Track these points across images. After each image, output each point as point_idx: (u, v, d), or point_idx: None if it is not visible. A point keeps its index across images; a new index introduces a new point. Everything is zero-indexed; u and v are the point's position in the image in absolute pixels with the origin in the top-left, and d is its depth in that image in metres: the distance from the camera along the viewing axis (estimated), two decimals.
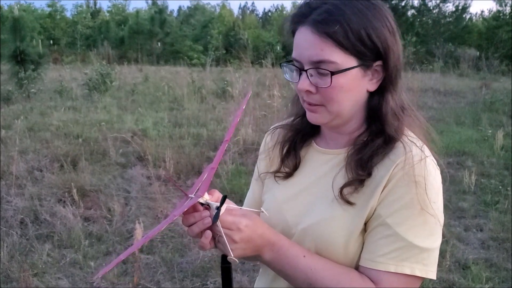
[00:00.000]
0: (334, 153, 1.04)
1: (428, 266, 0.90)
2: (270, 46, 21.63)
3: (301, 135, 1.10)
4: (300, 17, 0.95)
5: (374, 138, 0.97)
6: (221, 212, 0.87)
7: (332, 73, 0.90)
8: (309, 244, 0.98)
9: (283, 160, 1.11)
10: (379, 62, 0.94)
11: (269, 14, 47.05)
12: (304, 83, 0.94)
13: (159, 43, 25.51)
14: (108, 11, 37.62)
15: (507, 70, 17.31)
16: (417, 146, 0.94)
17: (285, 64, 1.01)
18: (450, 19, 28.11)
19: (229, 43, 22.88)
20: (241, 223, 0.89)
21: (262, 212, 0.94)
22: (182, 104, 9.65)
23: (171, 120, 8.04)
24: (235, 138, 5.81)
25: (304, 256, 0.94)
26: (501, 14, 27.11)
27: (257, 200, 1.18)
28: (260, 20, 45.52)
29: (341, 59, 0.91)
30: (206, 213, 0.89)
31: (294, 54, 0.96)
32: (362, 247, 0.95)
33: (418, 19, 27.65)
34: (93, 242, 3.68)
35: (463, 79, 16.24)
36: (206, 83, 11.52)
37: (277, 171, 1.11)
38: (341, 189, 0.96)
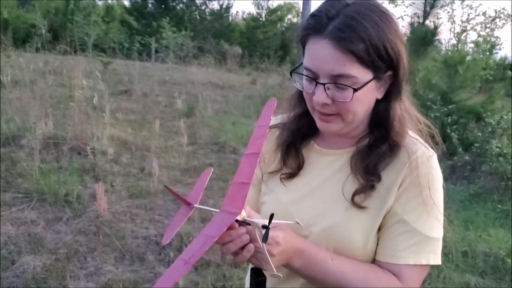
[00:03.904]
0: (337, 153, 1.07)
1: (438, 254, 0.99)
2: (35, 29, 19.48)
3: (300, 135, 1.10)
4: (316, 26, 0.93)
5: (379, 144, 1.01)
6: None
7: (355, 90, 0.92)
8: (326, 246, 1.00)
9: (284, 161, 1.10)
10: (390, 72, 0.98)
11: None
12: (321, 96, 0.95)
13: None
14: None
15: (267, 68, 19.33)
16: (422, 144, 1.01)
17: (297, 73, 1.00)
18: (215, 16, 29.96)
19: None
20: (279, 237, 0.88)
21: (297, 223, 0.89)
22: None
23: None
24: (35, 133, 5.17)
25: (332, 259, 0.96)
26: (258, 16, 30.23)
27: (250, 202, 1.13)
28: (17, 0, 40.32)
29: (360, 73, 0.92)
30: (243, 229, 0.86)
31: (309, 64, 0.95)
32: (377, 243, 1.01)
33: (187, 14, 28.68)
34: None
35: (232, 74, 17.57)
36: None
37: (280, 172, 1.10)
38: (353, 196, 0.99)
